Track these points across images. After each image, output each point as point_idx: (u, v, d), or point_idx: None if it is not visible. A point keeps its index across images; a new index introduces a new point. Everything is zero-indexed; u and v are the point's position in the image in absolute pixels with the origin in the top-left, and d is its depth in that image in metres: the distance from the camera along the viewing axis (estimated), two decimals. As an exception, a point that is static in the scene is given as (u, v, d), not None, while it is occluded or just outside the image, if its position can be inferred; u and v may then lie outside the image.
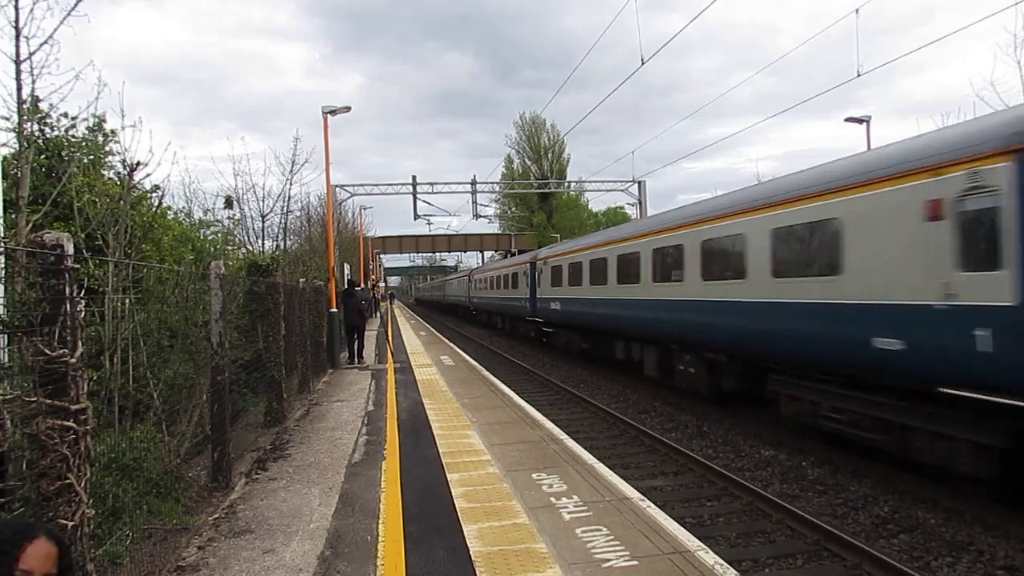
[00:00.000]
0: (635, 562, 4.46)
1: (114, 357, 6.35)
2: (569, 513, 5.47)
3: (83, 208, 7.25)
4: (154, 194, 9.73)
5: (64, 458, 3.22)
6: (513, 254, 50.04)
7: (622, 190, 40.23)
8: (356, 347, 17.82)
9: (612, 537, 4.91)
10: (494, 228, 62.19)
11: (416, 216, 40.68)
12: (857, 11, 15.34)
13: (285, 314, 10.06)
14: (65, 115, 8.67)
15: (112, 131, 9.19)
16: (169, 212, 11.92)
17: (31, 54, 6.36)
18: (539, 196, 57.83)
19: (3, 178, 6.53)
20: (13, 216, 6.09)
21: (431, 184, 39.38)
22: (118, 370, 6.30)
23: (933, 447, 7.36)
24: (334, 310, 17.18)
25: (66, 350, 3.25)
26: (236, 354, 7.68)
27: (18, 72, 6.40)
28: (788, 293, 9.40)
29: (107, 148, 9.41)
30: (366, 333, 19.13)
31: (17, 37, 6.29)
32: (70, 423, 3.25)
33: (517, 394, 12.19)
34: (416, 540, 4.96)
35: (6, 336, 3.42)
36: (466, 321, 50.23)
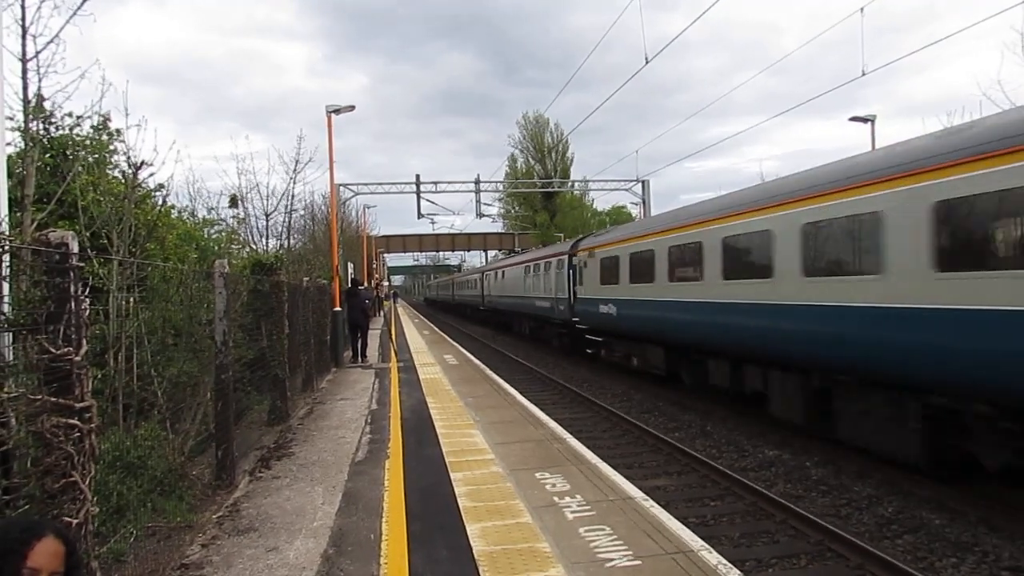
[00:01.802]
0: (638, 562, 4.45)
1: (119, 355, 6.38)
2: (572, 512, 5.46)
3: (88, 207, 7.28)
4: (158, 193, 9.74)
5: (69, 456, 3.23)
6: (516, 253, 48.42)
7: (626, 189, 40.22)
8: (360, 346, 17.86)
9: (615, 537, 4.90)
10: (497, 227, 62.23)
11: (420, 215, 40.66)
12: (862, 10, 15.31)
13: (289, 313, 10.08)
14: (70, 114, 8.69)
15: (117, 130, 9.21)
16: (173, 211, 11.94)
17: (37, 53, 6.39)
18: (543, 195, 57.70)
19: (8, 177, 6.54)
20: (18, 214, 6.10)
21: (435, 183, 39.41)
22: (123, 368, 6.32)
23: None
24: (338, 309, 17.23)
25: (71, 348, 3.26)
26: (240, 352, 7.69)
27: (24, 71, 6.43)
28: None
29: (111, 147, 9.44)
30: (369, 332, 19.16)
31: (24, 36, 6.32)
32: (75, 421, 3.26)
33: (521, 393, 12.18)
34: (419, 539, 4.96)
35: (11, 334, 3.42)
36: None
